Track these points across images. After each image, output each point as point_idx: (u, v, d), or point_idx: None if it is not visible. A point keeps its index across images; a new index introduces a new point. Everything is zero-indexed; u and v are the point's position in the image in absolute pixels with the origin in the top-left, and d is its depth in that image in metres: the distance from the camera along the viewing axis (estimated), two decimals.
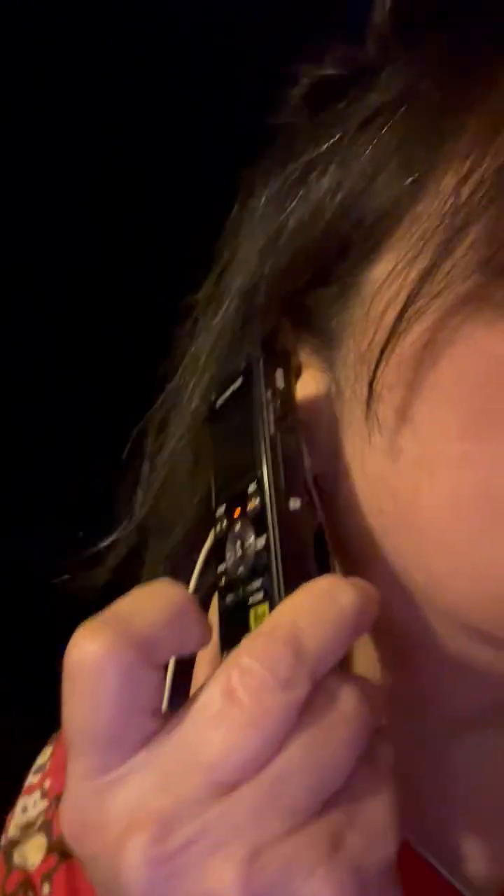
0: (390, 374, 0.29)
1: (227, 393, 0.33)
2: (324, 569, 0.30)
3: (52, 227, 1.05)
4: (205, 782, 0.22)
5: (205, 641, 0.26)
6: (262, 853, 0.22)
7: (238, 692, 0.23)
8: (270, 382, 0.30)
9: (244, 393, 0.31)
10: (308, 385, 0.33)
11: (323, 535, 0.32)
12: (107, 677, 0.23)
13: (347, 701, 0.24)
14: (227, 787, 0.22)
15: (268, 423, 0.29)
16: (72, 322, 1.09)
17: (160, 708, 0.24)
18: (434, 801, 0.37)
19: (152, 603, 0.25)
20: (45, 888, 0.41)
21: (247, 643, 0.24)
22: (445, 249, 0.28)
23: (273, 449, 0.29)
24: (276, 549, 0.27)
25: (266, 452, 0.29)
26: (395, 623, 0.32)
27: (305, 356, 0.33)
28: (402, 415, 0.29)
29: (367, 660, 0.35)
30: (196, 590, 0.34)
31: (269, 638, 0.24)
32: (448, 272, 0.28)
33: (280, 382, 0.30)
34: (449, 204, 0.28)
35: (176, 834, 0.22)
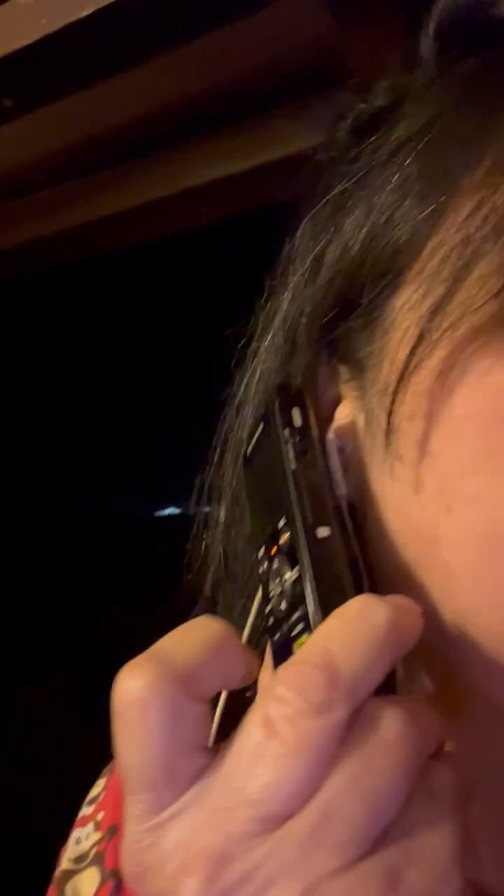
0: (409, 405, 0.29)
1: (254, 440, 0.33)
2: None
3: None
4: (253, 817, 0.22)
5: (250, 675, 0.26)
6: (315, 891, 0.21)
7: (275, 722, 0.22)
8: (288, 422, 0.31)
9: (266, 437, 0.32)
10: (343, 414, 0.33)
11: (356, 564, 0.31)
12: (151, 713, 0.23)
13: (391, 724, 0.23)
14: (277, 821, 0.22)
15: (289, 460, 0.30)
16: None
17: (208, 743, 0.24)
18: None
19: (192, 638, 0.25)
20: None
21: (280, 672, 0.24)
22: (456, 282, 0.28)
23: (297, 482, 0.29)
24: (308, 576, 0.27)
25: (290, 486, 0.29)
26: (443, 661, 0.31)
27: (343, 386, 0.33)
28: (422, 447, 0.29)
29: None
30: (250, 639, 0.34)
31: (301, 665, 0.23)
32: (459, 304, 0.28)
33: (297, 421, 0.31)
34: (460, 236, 0.28)
35: (228, 872, 0.22)
